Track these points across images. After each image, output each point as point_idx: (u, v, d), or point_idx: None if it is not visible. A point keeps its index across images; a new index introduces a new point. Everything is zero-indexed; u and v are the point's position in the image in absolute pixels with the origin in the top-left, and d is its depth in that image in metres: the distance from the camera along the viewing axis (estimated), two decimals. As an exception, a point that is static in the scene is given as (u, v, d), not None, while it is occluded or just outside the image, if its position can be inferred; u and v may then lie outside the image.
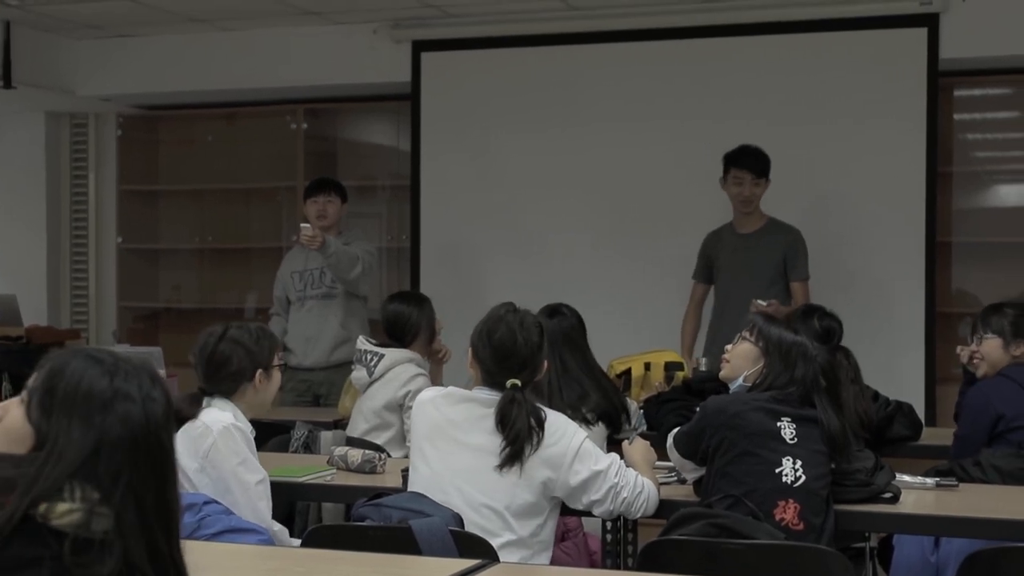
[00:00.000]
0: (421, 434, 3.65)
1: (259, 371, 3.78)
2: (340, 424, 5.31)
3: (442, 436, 3.59)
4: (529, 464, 3.48)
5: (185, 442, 3.72)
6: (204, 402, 3.75)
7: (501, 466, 3.48)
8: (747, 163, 6.03)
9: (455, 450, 3.55)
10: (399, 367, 5.02)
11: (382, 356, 5.03)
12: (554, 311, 4.76)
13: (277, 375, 3.87)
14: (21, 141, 8.35)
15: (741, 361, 3.85)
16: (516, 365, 3.55)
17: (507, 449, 3.47)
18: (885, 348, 6.30)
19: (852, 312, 5.75)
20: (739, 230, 6.15)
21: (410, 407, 4.85)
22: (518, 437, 3.46)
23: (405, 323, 5.14)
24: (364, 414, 5.03)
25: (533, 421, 3.48)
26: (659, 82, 6.96)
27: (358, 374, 5.09)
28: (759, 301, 5.57)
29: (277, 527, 3.72)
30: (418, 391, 4.84)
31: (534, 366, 3.60)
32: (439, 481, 3.53)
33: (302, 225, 6.14)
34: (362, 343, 5.14)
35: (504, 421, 3.49)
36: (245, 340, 3.79)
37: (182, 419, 3.66)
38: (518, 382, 3.53)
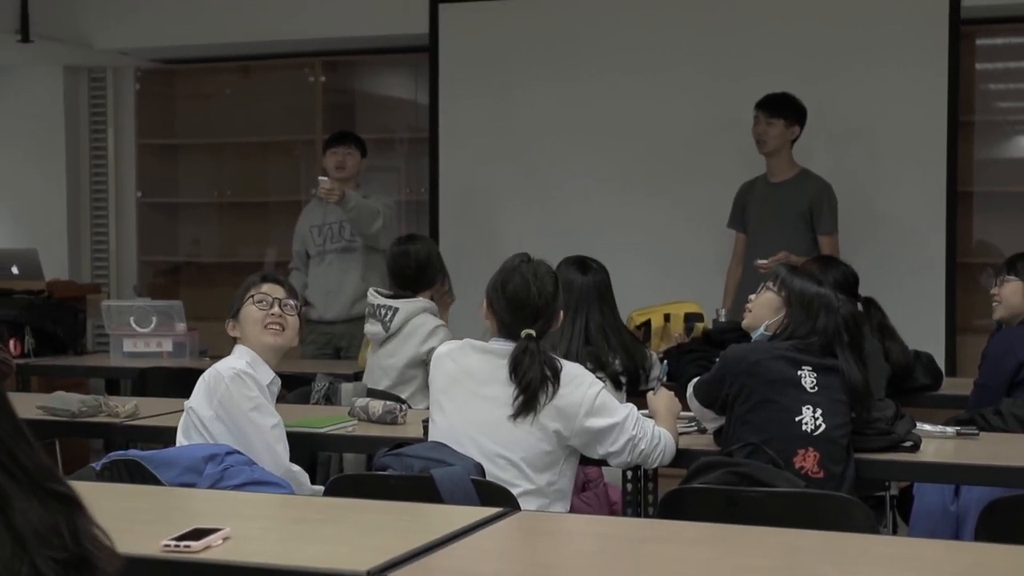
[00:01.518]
0: (438, 387, 3.66)
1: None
2: (360, 376, 5.31)
3: (459, 387, 3.60)
4: (543, 414, 3.49)
5: (200, 390, 3.78)
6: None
7: (515, 416, 3.49)
8: (762, 102, 6.06)
9: (471, 401, 3.57)
10: (416, 319, 4.98)
11: (396, 309, 4.99)
12: (583, 265, 4.71)
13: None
14: (40, 96, 8.35)
15: (763, 310, 3.85)
16: (530, 315, 3.56)
17: (520, 398, 3.48)
18: (906, 298, 6.27)
19: (873, 262, 5.75)
20: (771, 179, 6.14)
21: None
22: (530, 386, 3.47)
23: (423, 270, 5.11)
24: (386, 371, 5.00)
25: (548, 371, 3.49)
26: (679, 31, 6.92)
27: (373, 328, 5.04)
28: (760, 261, 5.55)
29: (296, 468, 3.76)
30: (442, 341, 4.86)
31: (549, 316, 3.60)
32: (455, 432, 3.55)
33: (320, 178, 6.14)
34: (373, 296, 5.07)
35: (517, 370, 3.49)
36: None
37: None
38: (533, 332, 3.53)
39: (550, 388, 3.49)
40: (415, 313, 5.00)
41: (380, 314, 5.02)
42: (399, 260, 5.12)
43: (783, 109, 6.03)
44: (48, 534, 1.46)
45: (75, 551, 1.48)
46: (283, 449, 3.75)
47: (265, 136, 8.19)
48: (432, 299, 5.12)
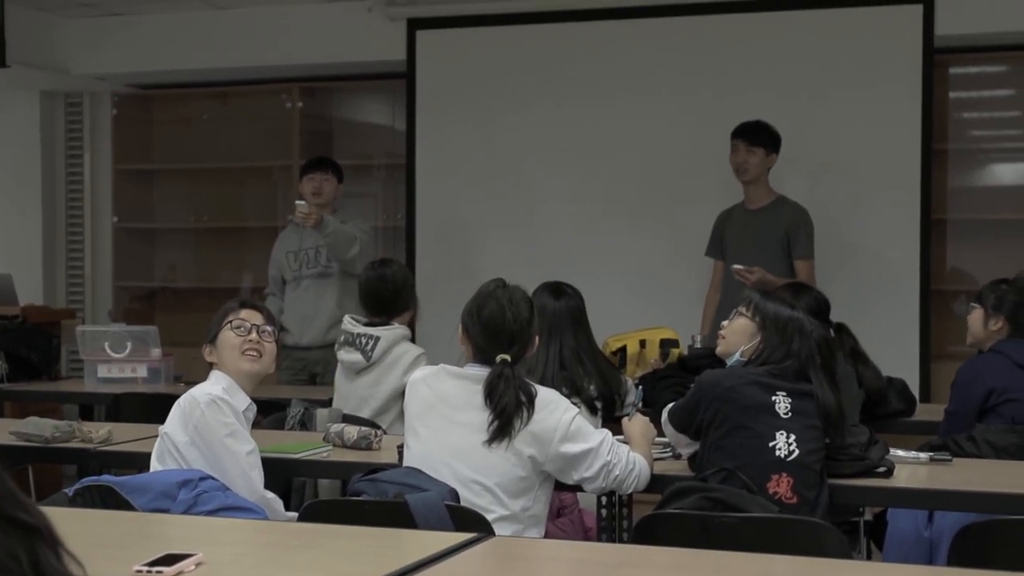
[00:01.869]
0: (413, 413, 3.66)
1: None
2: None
3: (433, 413, 3.60)
4: (518, 439, 3.49)
5: (175, 415, 3.76)
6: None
7: (490, 441, 3.48)
8: (741, 130, 6.12)
9: (446, 427, 3.56)
10: (398, 348, 4.96)
11: (378, 339, 4.95)
12: (558, 290, 4.73)
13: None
14: (16, 121, 8.34)
15: (737, 337, 3.85)
16: (505, 340, 3.56)
17: (495, 423, 3.48)
18: (880, 324, 6.31)
19: (847, 288, 5.78)
20: (747, 206, 6.17)
21: None
22: (505, 411, 3.47)
23: (399, 291, 5.09)
24: (366, 400, 4.96)
25: (522, 396, 3.49)
26: (655, 59, 6.96)
27: (351, 357, 4.97)
28: (737, 266, 5.59)
29: (271, 495, 3.74)
30: None
31: (524, 341, 3.61)
32: (429, 458, 3.54)
33: (297, 202, 6.14)
34: (351, 324, 5.03)
35: (492, 396, 3.49)
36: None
37: None
38: (508, 357, 3.54)
39: (524, 413, 3.49)
40: (396, 342, 4.98)
41: (360, 343, 4.97)
42: (375, 284, 5.09)
43: (762, 137, 6.09)
44: (3, 562, 1.43)
45: None
46: (258, 476, 3.73)
47: (242, 161, 8.18)
48: (409, 325, 5.12)
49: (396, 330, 5.01)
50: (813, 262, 6.02)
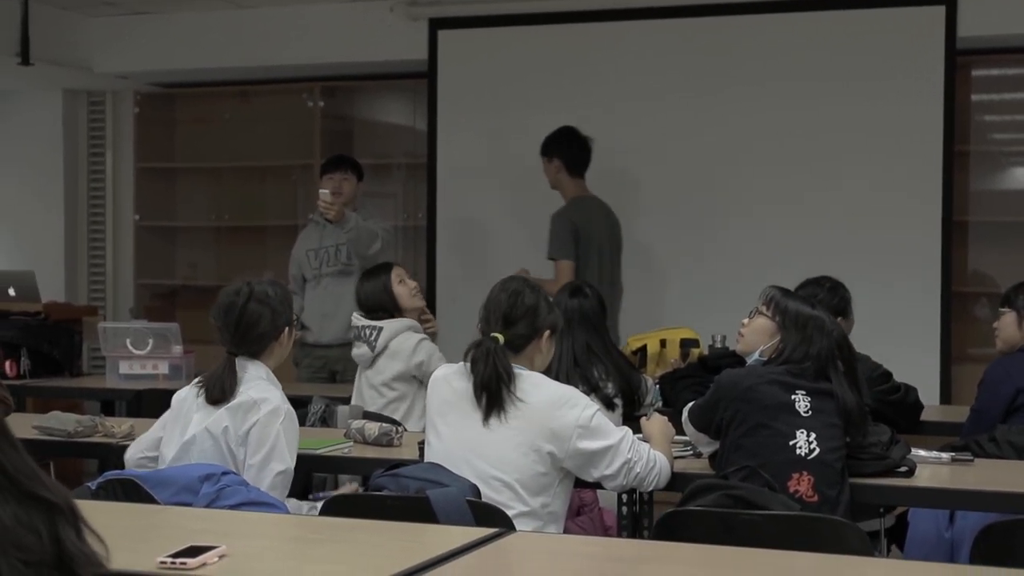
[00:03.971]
0: (434, 409, 3.68)
1: (285, 328, 3.79)
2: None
3: (453, 410, 3.62)
4: (536, 435, 3.50)
5: (230, 416, 3.70)
6: (237, 366, 3.73)
7: (485, 418, 3.51)
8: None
9: (465, 423, 3.58)
10: (400, 336, 5.06)
11: (380, 329, 5.06)
12: (576, 290, 4.84)
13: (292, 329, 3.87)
14: (39, 119, 8.38)
15: (757, 336, 3.85)
16: (497, 320, 3.61)
17: (483, 397, 3.51)
18: (902, 326, 6.30)
19: (868, 290, 5.76)
20: None
21: (426, 375, 4.91)
22: (485, 384, 3.50)
23: (384, 303, 5.16)
24: (377, 389, 5.06)
25: (503, 371, 3.50)
26: (675, 60, 6.95)
27: (360, 351, 5.11)
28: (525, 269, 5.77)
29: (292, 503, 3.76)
30: (429, 357, 4.92)
31: (524, 326, 3.62)
32: (450, 455, 3.56)
33: (321, 191, 6.15)
34: (357, 319, 5.15)
35: (474, 367, 3.54)
36: (271, 298, 3.76)
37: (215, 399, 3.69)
38: (500, 336, 3.56)
39: (505, 388, 3.50)
40: (399, 331, 5.08)
41: (365, 335, 5.10)
42: (369, 300, 5.19)
43: (545, 148, 6.41)
44: (23, 536, 1.47)
45: (52, 554, 1.48)
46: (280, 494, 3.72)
47: (263, 160, 8.21)
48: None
49: (401, 322, 5.11)
50: (560, 264, 6.13)
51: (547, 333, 3.69)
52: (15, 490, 1.49)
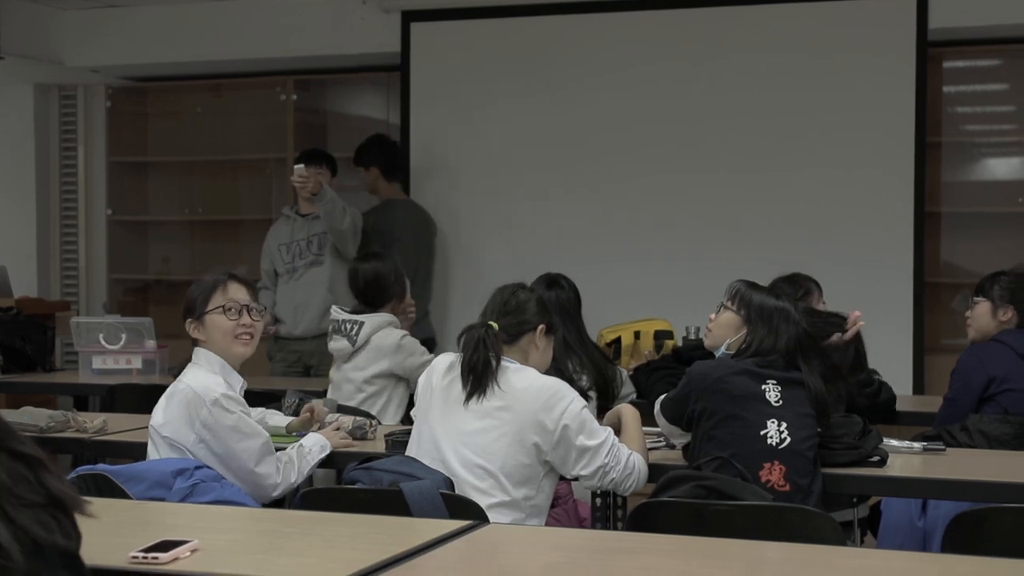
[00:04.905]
0: (425, 395, 3.72)
1: None
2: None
3: (444, 398, 3.64)
4: (522, 426, 3.52)
5: (176, 412, 3.69)
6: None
7: (466, 399, 3.56)
8: None
9: (454, 412, 3.60)
10: (381, 332, 5.05)
11: (362, 324, 5.04)
12: (552, 282, 4.84)
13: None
14: (10, 113, 8.33)
15: (723, 330, 3.88)
16: (495, 312, 3.68)
17: (469, 379, 3.57)
18: (874, 317, 6.27)
19: (841, 281, 5.78)
20: None
21: (408, 371, 4.95)
22: (472, 366, 3.56)
23: (386, 286, 5.15)
24: (356, 384, 5.05)
25: (491, 355, 3.57)
26: (649, 51, 6.96)
27: (338, 344, 5.08)
28: None
29: (284, 460, 3.81)
30: (410, 352, 4.92)
31: (517, 320, 3.69)
32: (436, 441, 3.59)
33: (296, 167, 6.16)
34: (337, 312, 5.13)
35: (464, 350, 3.60)
36: None
37: None
38: (494, 324, 3.62)
39: (494, 369, 3.57)
40: (380, 326, 5.07)
41: (345, 329, 5.07)
42: (368, 274, 5.17)
43: (360, 160, 6.92)
44: (14, 484, 1.67)
45: (48, 496, 1.69)
46: (272, 462, 3.74)
47: (236, 154, 8.18)
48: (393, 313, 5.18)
49: (382, 316, 5.10)
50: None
51: (541, 328, 3.73)
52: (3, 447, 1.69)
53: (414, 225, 6.93)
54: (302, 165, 6.16)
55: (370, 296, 5.15)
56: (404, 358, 5.00)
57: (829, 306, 4.97)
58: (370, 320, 5.06)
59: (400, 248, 6.50)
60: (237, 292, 3.81)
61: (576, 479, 3.68)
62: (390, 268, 5.21)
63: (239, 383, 3.80)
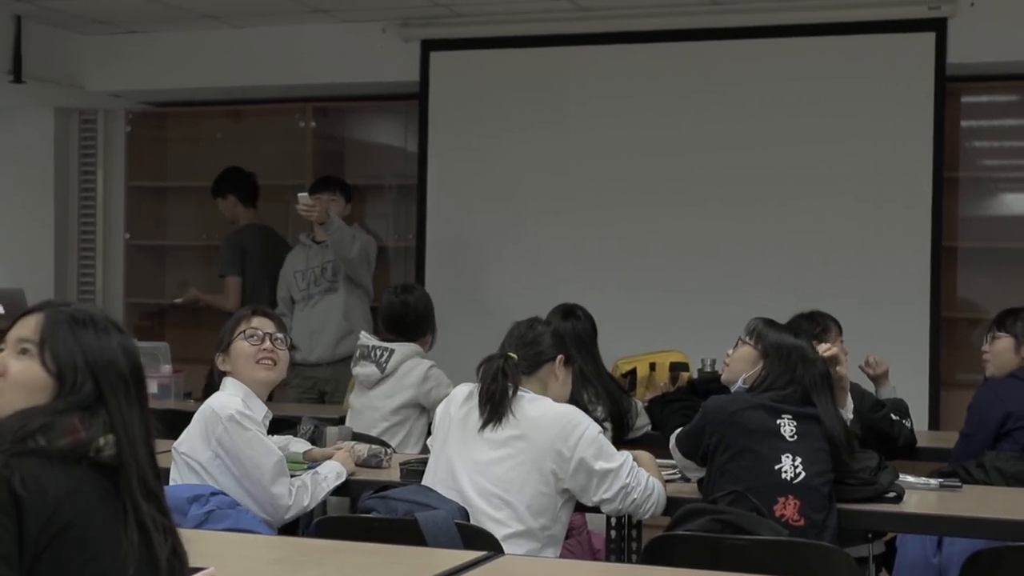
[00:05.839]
0: (444, 424, 3.74)
1: None
2: (345, 420, 5.31)
3: (461, 427, 3.66)
4: (539, 454, 3.54)
5: (196, 430, 3.74)
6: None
7: (482, 427, 3.59)
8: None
9: (471, 441, 3.62)
10: (410, 361, 5.05)
11: (392, 351, 5.04)
12: (568, 312, 4.87)
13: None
14: (30, 136, 8.37)
15: (740, 364, 3.91)
16: (514, 343, 3.72)
17: (487, 407, 3.60)
18: (890, 352, 6.29)
19: (857, 315, 5.77)
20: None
21: (432, 403, 4.93)
22: (489, 395, 3.60)
23: (422, 320, 5.16)
24: (381, 412, 5.03)
25: (508, 383, 3.60)
26: (666, 84, 6.97)
27: (366, 370, 5.07)
28: None
29: (297, 485, 3.81)
30: (438, 384, 4.91)
31: (535, 351, 3.74)
32: (453, 470, 3.60)
33: (299, 194, 6.17)
34: (367, 338, 5.14)
35: (482, 380, 3.64)
36: None
37: None
38: (514, 356, 3.66)
39: (510, 398, 3.59)
40: (410, 355, 5.07)
41: (375, 355, 5.06)
42: (398, 309, 5.16)
43: (217, 190, 7.42)
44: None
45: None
46: (285, 483, 3.75)
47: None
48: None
49: (411, 346, 5.10)
50: (231, 279, 7.25)
51: (560, 359, 3.76)
52: None
53: (272, 247, 7.32)
54: (306, 193, 6.18)
55: (405, 329, 5.15)
56: (430, 388, 4.99)
57: (846, 341, 4.97)
58: (400, 348, 5.06)
59: (258, 264, 7.16)
60: (261, 322, 3.93)
61: (598, 507, 3.67)
62: (426, 304, 5.23)
63: (263, 412, 3.84)
